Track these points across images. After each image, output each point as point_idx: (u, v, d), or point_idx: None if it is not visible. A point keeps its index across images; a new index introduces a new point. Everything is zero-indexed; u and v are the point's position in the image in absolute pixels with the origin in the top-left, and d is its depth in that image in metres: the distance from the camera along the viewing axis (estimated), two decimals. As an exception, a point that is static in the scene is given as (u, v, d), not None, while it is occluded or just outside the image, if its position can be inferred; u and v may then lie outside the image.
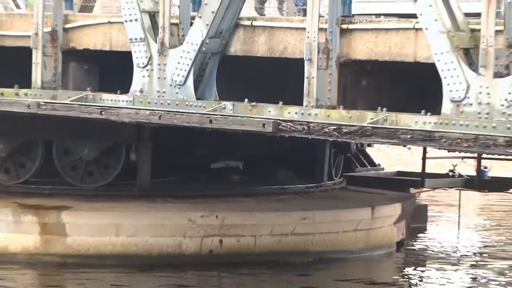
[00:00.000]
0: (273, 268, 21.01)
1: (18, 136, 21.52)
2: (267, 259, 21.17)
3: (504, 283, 21.53)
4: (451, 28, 13.23)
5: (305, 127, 14.71)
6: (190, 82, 15.85)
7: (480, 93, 12.85)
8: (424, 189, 25.55)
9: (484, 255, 24.40)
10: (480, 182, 24.98)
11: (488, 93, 12.75)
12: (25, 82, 17.98)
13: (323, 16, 14.76)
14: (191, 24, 16.06)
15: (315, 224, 22.53)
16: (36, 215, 20.98)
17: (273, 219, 22.17)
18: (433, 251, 24.56)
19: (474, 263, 23.62)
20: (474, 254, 24.32)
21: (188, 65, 15.79)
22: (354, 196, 24.20)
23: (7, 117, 19.65)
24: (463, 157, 23.81)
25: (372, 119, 13.99)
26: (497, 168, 24.98)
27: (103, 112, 17.16)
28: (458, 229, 26.06)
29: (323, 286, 20.83)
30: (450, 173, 25.24)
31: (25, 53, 18.12)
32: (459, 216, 26.17)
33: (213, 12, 15.47)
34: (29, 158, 21.91)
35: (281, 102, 14.89)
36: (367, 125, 14.09)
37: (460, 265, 23.51)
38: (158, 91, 16.35)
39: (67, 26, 17.98)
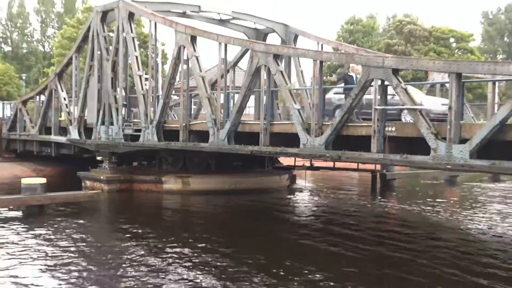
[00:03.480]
0: (251, 194, 20.27)
1: (175, 155, 21.22)
2: (249, 191, 20.52)
3: (332, 201, 20.92)
4: (302, 122, 13.03)
5: (260, 152, 14.64)
6: (226, 139, 15.31)
7: (310, 142, 12.77)
8: (295, 171, 24.67)
9: (318, 190, 23.50)
10: (312, 168, 24.65)
11: (313, 142, 12.69)
12: (177, 139, 17.54)
13: (265, 119, 14.24)
14: (226, 121, 15.48)
15: (262, 179, 22.09)
16: (181, 178, 20.61)
17: (250, 179, 21.73)
18: (297, 189, 23.52)
19: (313, 191, 22.88)
20: (312, 191, 23.41)
21: (226, 134, 15.28)
22: (275, 172, 23.43)
23: (170, 150, 19.18)
24: (307, 160, 23.27)
25: (280, 150, 13.98)
26: (318, 163, 23.70)
27: (200, 147, 16.88)
28: (305, 183, 24.90)
29: (264, 198, 20.00)
30: (303, 165, 24.08)
31: (177, 132, 17.58)
32: (305, 178, 25.10)
33: (233, 119, 15.10)
34: (178, 162, 21.53)
35: (253, 145, 14.63)
36: (278, 151, 14.10)
37: (308, 192, 22.61)
38: (217, 142, 15.68)
39: (189, 123, 17.49)
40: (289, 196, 21.42)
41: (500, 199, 20.75)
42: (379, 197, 21.78)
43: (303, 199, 20.94)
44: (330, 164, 23.81)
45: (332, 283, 9.37)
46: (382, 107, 11.30)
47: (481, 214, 16.87)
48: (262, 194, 20.88)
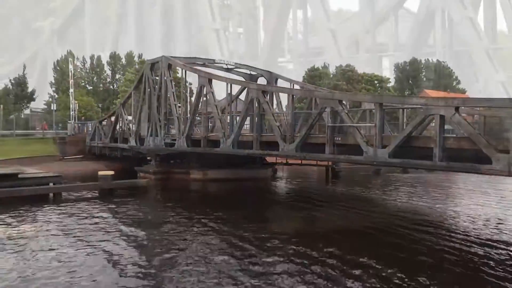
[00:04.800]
0: (248, 181, 19.97)
1: (198, 156, 20.25)
2: (246, 179, 20.10)
3: (300, 184, 20.54)
4: (280, 134, 12.70)
5: (253, 153, 14.55)
6: (231, 145, 15.17)
7: (286, 147, 12.64)
8: (276, 166, 23.47)
9: (291, 178, 23.08)
10: (287, 164, 23.60)
11: (288, 147, 12.59)
12: (200, 146, 17.14)
13: (256, 132, 13.99)
14: (231, 134, 15.25)
15: (255, 172, 21.58)
16: (202, 171, 20.31)
17: (247, 171, 21.18)
18: (278, 178, 23.04)
19: (288, 179, 22.58)
20: (288, 179, 23.01)
21: (231, 142, 15.18)
22: (263, 167, 22.22)
23: (195, 153, 18.55)
24: (284, 158, 22.04)
25: (266, 152, 13.88)
26: (291, 161, 21.60)
27: (214, 151, 16.61)
28: (282, 173, 24.37)
29: (256, 183, 19.68)
30: (281, 162, 22.68)
31: (199, 141, 17.32)
32: (283, 171, 24.57)
33: (236, 132, 15.02)
34: (200, 160, 20.50)
35: (248, 149, 14.53)
36: (265, 153, 13.99)
37: (285, 180, 22.22)
38: (225, 148, 15.47)
39: (208, 135, 17.33)
40: (272, 182, 21.72)
41: (407, 183, 21.16)
42: (330, 182, 21.97)
43: (282, 184, 21.03)
44: (299, 161, 23.50)
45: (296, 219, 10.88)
46: (332, 124, 11.45)
47: (396, 192, 17.60)
48: (255, 181, 20.83)
